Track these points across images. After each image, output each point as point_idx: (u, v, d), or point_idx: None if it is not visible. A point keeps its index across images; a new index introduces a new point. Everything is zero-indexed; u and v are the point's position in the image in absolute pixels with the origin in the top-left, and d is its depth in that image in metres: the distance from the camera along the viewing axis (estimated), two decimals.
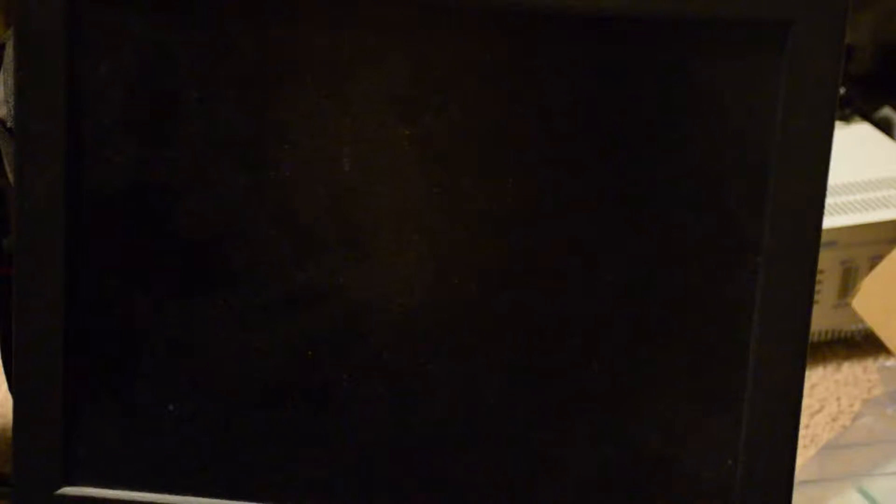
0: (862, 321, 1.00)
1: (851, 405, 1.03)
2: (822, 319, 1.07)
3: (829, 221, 1.01)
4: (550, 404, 0.71)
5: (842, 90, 1.15)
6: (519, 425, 0.72)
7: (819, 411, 1.03)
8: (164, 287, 0.72)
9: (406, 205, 0.70)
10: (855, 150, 1.16)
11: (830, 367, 1.07)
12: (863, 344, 1.09)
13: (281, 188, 0.70)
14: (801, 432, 0.98)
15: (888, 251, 1.00)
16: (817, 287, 1.04)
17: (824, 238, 0.69)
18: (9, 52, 0.74)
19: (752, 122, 0.68)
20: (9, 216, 0.82)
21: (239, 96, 0.70)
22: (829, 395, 1.04)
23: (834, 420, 1.02)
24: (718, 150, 0.68)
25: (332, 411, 0.72)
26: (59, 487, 0.73)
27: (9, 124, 0.76)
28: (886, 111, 1.24)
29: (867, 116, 1.22)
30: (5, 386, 0.93)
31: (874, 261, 1.04)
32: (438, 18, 0.68)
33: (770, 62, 0.67)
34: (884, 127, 1.22)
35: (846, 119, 1.20)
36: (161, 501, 0.73)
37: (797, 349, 0.69)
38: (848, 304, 1.01)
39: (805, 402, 0.82)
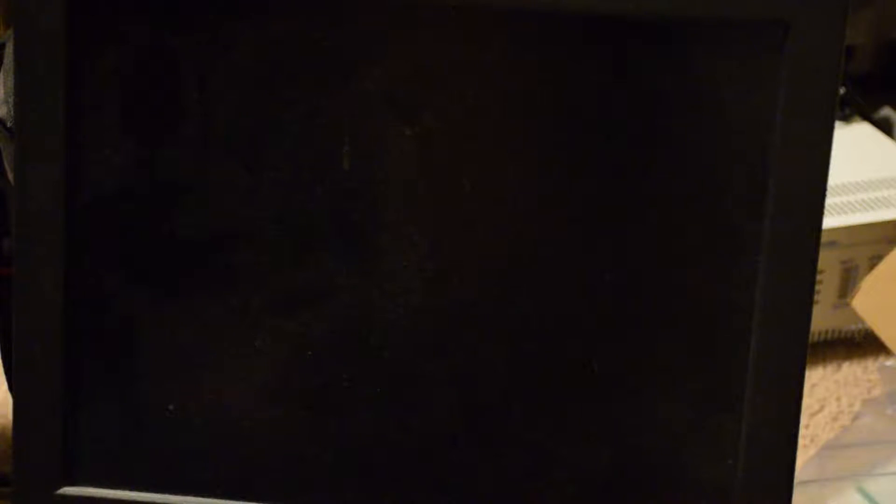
0: (862, 321, 1.00)
1: (851, 405, 1.03)
2: (822, 319, 1.07)
3: (829, 221, 1.01)
4: (550, 404, 0.71)
5: (842, 90, 1.15)
6: (519, 425, 0.72)
7: (819, 411, 1.03)
8: (164, 287, 0.72)
9: (406, 205, 0.70)
10: (855, 150, 1.16)
11: (830, 367, 1.07)
12: (863, 344, 1.09)
13: (281, 188, 0.70)
14: (801, 432, 0.98)
15: (888, 251, 1.00)
16: (817, 287, 1.04)
17: (824, 238, 0.69)
18: (9, 52, 0.74)
19: (752, 122, 0.68)
20: (9, 216, 0.82)
21: (239, 96, 0.70)
22: (829, 395, 1.04)
23: (834, 420, 1.02)
24: (718, 151, 0.68)
25: (333, 411, 0.72)
26: (59, 487, 0.73)
27: (9, 124, 0.76)
28: (886, 111, 1.24)
29: (867, 116, 1.22)
30: (5, 386, 0.93)
31: (874, 261, 1.04)
32: (438, 18, 0.68)
33: (769, 62, 0.67)
34: (884, 127, 1.22)
35: (846, 119, 1.20)
36: (161, 501, 0.73)
37: (797, 349, 0.69)
38: (848, 304, 1.01)
39: (805, 402, 0.82)
